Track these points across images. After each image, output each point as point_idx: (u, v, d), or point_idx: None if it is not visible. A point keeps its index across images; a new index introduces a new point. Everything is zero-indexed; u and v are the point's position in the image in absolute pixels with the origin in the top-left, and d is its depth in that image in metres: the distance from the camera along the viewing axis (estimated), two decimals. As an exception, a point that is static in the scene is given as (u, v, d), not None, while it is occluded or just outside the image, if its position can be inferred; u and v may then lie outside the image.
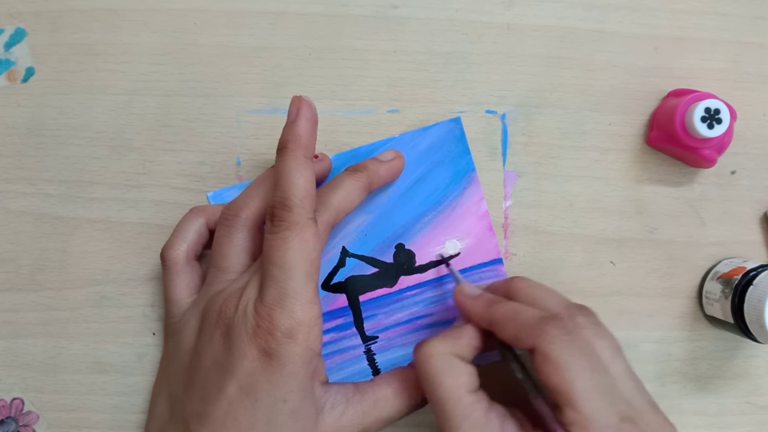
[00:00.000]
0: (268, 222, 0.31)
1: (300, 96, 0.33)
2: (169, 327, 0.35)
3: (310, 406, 0.31)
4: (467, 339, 0.33)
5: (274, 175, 0.32)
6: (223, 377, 0.30)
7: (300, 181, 0.31)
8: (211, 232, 0.36)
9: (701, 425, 0.41)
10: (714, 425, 0.41)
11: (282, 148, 0.32)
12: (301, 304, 0.30)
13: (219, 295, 0.32)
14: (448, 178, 0.39)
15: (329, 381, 0.34)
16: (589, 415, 0.28)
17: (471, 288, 0.35)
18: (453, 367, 0.32)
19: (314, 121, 0.33)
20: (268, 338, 0.30)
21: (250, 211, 0.34)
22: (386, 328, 0.39)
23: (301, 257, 0.30)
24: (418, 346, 0.33)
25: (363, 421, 0.33)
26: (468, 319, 0.34)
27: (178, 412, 0.32)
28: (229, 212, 0.34)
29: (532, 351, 0.30)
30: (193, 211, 0.36)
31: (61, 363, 0.39)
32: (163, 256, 0.36)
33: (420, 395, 0.35)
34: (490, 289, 0.36)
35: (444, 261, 0.38)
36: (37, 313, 0.39)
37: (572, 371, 0.29)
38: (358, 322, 0.39)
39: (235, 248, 0.34)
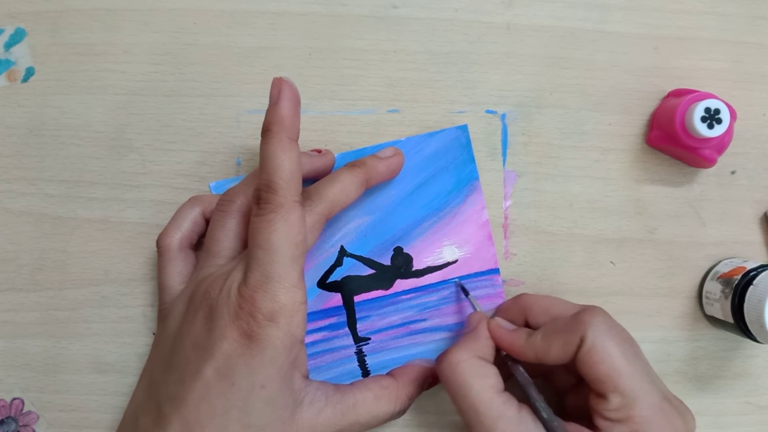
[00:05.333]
0: (254, 205, 0.31)
1: (280, 77, 0.32)
2: (160, 313, 0.35)
3: (289, 396, 0.31)
4: (485, 340, 0.34)
5: (260, 159, 0.32)
6: (201, 358, 0.30)
7: (285, 163, 0.31)
8: (208, 222, 0.36)
9: (701, 425, 0.41)
10: (714, 425, 0.41)
11: (266, 131, 0.31)
12: (285, 288, 0.30)
13: (207, 278, 0.32)
14: (450, 184, 0.39)
15: (311, 379, 0.34)
16: (636, 396, 0.30)
17: (505, 322, 0.35)
18: (480, 369, 0.33)
19: (296, 102, 0.32)
20: (250, 320, 0.30)
21: (246, 198, 0.34)
22: (379, 330, 0.39)
23: (287, 240, 0.30)
24: (440, 358, 0.34)
25: (340, 422, 0.33)
26: (510, 353, 0.34)
27: (154, 393, 0.32)
28: (224, 198, 0.34)
29: (578, 346, 0.31)
30: (191, 201, 0.37)
31: (61, 363, 0.39)
32: (158, 243, 0.36)
33: (400, 403, 0.35)
34: (501, 310, 0.37)
35: (465, 291, 0.39)
36: (37, 313, 0.39)
37: (617, 357, 0.30)
38: (352, 323, 0.39)
39: (228, 234, 0.34)
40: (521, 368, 0.34)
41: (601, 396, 0.31)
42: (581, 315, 0.32)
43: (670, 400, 0.31)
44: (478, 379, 0.32)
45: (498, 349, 0.35)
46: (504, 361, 0.35)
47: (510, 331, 0.35)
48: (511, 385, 0.33)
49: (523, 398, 0.33)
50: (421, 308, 0.39)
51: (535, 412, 0.32)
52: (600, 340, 0.31)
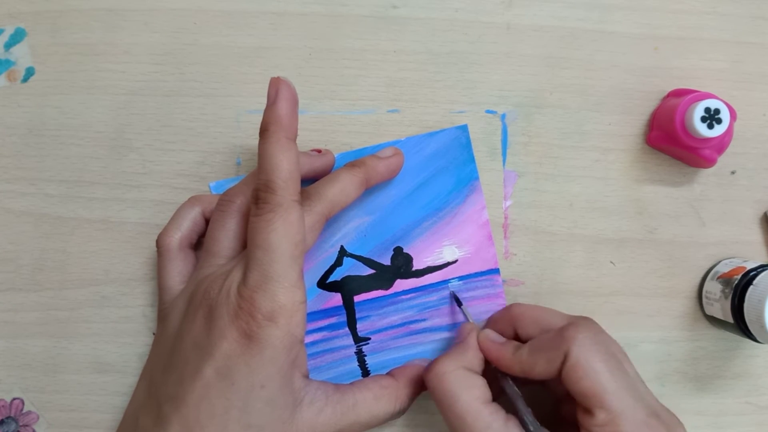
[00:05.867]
0: (253, 206, 0.31)
1: (278, 77, 0.32)
2: (160, 313, 0.35)
3: (288, 396, 0.31)
4: (473, 351, 0.35)
5: (258, 159, 0.32)
6: (201, 358, 0.30)
7: (283, 162, 0.31)
8: (208, 221, 0.36)
9: (701, 425, 0.41)
10: (714, 425, 0.41)
11: (263, 131, 0.31)
12: (284, 288, 0.30)
13: (206, 278, 0.32)
14: (450, 184, 0.39)
15: (311, 379, 0.34)
16: (621, 412, 0.30)
17: (494, 334, 0.36)
18: (467, 380, 0.33)
19: (294, 102, 0.32)
20: (249, 321, 0.30)
21: (246, 198, 0.34)
22: (379, 330, 0.39)
23: (286, 239, 0.30)
24: (428, 368, 0.34)
25: (340, 422, 0.33)
26: (497, 366, 0.34)
27: (154, 393, 0.32)
28: (224, 198, 0.34)
29: (562, 362, 0.31)
30: (191, 200, 0.37)
31: (61, 363, 0.39)
32: (158, 243, 0.36)
33: (400, 403, 0.35)
34: (492, 321, 0.38)
35: (458, 302, 0.38)
36: (37, 313, 0.39)
37: (602, 373, 0.30)
38: (352, 323, 0.39)
39: (227, 233, 0.34)
40: (510, 381, 0.34)
41: (588, 411, 0.31)
42: (566, 330, 0.32)
43: (658, 414, 0.31)
44: (465, 390, 0.32)
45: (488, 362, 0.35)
46: (494, 374, 0.35)
47: (498, 343, 0.35)
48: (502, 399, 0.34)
49: (513, 410, 0.33)
50: (421, 308, 0.39)
51: (523, 425, 0.32)
52: (584, 356, 0.31)
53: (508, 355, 0.34)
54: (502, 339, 0.35)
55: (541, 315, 0.35)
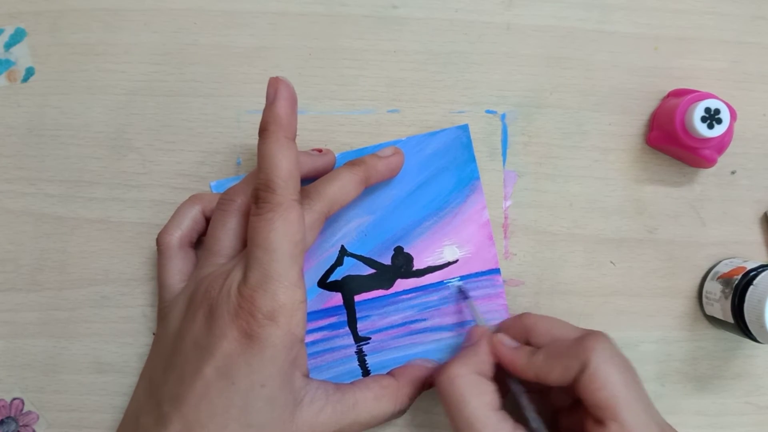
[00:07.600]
0: (253, 205, 0.31)
1: (277, 77, 0.32)
2: (160, 312, 0.35)
3: (289, 395, 0.31)
4: (484, 355, 0.34)
5: (257, 159, 0.32)
6: (202, 358, 0.30)
7: (283, 162, 0.31)
8: (208, 220, 0.36)
9: (701, 425, 0.41)
10: (714, 425, 0.41)
11: (263, 131, 0.31)
12: (284, 287, 0.30)
13: (207, 277, 0.32)
14: (451, 184, 0.39)
15: (312, 378, 0.34)
16: (634, 426, 0.30)
17: (508, 339, 0.35)
18: (478, 386, 0.33)
19: (293, 101, 0.32)
20: (250, 320, 0.30)
21: (246, 197, 0.34)
22: (379, 330, 0.39)
23: (286, 238, 0.30)
24: (439, 371, 0.34)
25: (340, 422, 0.33)
26: (510, 370, 0.34)
27: (154, 393, 0.32)
28: (225, 197, 0.34)
29: (579, 370, 0.31)
30: (192, 199, 0.37)
31: (61, 363, 0.39)
32: (158, 241, 0.36)
33: (400, 403, 0.35)
34: (503, 327, 0.37)
35: (465, 295, 0.38)
36: (37, 313, 0.39)
37: (618, 385, 0.30)
38: (352, 322, 0.39)
39: (228, 233, 0.34)
40: (516, 378, 0.34)
41: (599, 422, 0.30)
42: (585, 339, 0.32)
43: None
44: (476, 396, 0.32)
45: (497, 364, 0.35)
46: (501, 374, 0.34)
47: (512, 348, 0.34)
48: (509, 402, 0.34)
49: (520, 418, 0.33)
50: (422, 308, 0.39)
51: (525, 421, 0.32)
52: (603, 366, 0.30)
53: (522, 360, 0.33)
54: (516, 343, 0.35)
55: (555, 325, 0.35)
